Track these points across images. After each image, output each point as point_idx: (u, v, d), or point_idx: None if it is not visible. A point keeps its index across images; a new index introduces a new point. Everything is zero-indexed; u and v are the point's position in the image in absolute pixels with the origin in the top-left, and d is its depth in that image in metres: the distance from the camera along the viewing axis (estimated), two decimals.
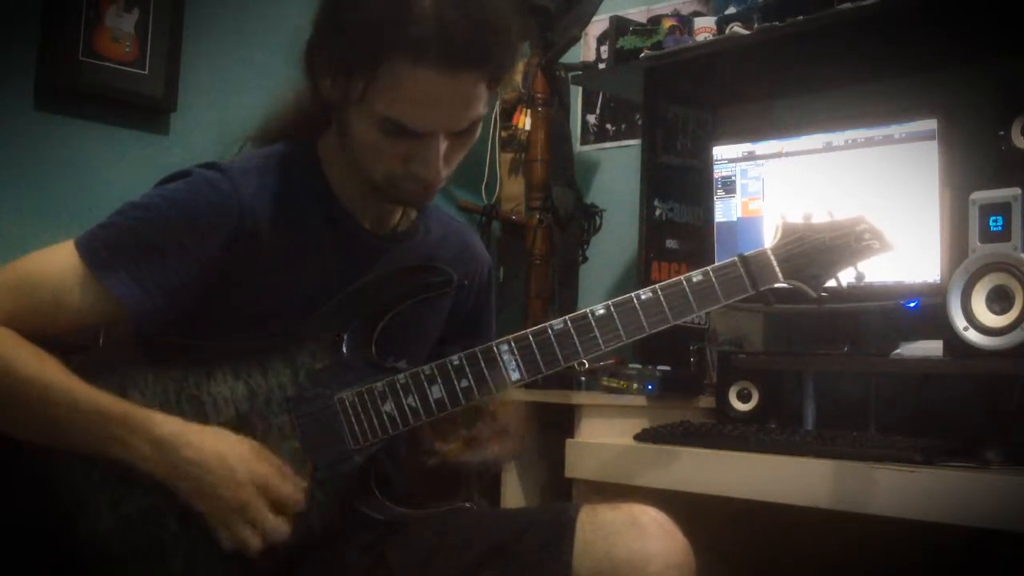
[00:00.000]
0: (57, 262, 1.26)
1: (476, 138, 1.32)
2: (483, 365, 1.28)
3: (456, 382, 1.28)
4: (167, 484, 1.23)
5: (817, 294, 1.34)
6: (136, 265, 1.25)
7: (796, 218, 1.36)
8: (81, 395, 1.23)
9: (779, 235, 1.36)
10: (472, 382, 1.28)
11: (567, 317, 1.29)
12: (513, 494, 2.27)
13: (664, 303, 1.29)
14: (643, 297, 1.29)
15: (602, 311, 1.29)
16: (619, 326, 1.29)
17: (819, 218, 1.36)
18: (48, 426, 1.23)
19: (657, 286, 1.30)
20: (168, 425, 1.23)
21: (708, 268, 1.32)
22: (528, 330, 1.29)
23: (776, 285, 1.34)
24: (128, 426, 1.22)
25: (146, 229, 1.28)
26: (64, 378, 1.24)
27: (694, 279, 1.31)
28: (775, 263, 1.33)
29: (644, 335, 1.30)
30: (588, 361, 1.30)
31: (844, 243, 1.35)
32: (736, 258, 1.33)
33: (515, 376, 1.29)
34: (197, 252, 1.28)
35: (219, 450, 1.23)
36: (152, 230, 1.27)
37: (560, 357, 1.28)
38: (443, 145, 1.27)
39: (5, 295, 1.26)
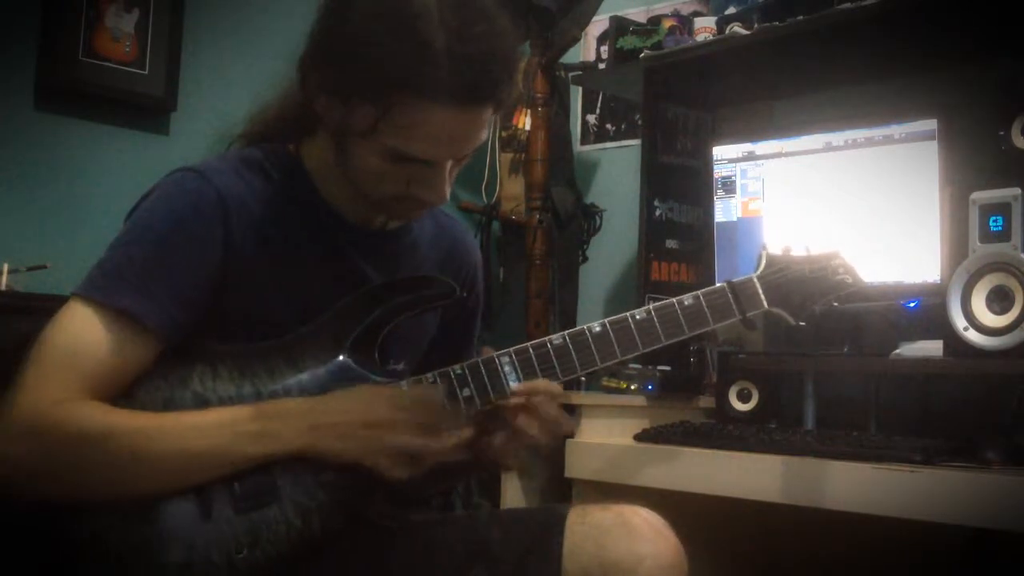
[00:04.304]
0: (73, 322, 1.23)
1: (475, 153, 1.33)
2: (484, 375, 1.31)
3: (458, 390, 1.31)
4: (317, 451, 1.22)
5: (796, 322, 1.45)
6: (142, 284, 1.23)
7: (776, 249, 1.47)
8: (208, 416, 1.22)
9: (763, 264, 1.45)
10: (474, 391, 1.31)
11: (565, 333, 1.34)
12: (513, 494, 2.27)
13: (657, 324, 1.37)
14: (638, 317, 1.36)
15: (599, 329, 1.35)
16: (615, 344, 1.35)
17: (797, 251, 1.47)
18: (183, 465, 1.20)
19: (651, 307, 1.38)
20: (290, 400, 1.25)
21: (699, 292, 1.40)
22: (528, 343, 1.33)
23: (760, 311, 1.43)
24: (265, 417, 1.22)
25: (139, 251, 1.26)
26: (175, 414, 1.22)
27: (685, 303, 1.39)
28: (761, 291, 1.43)
29: (638, 353, 1.37)
30: None
31: (821, 276, 1.46)
32: (724, 284, 1.42)
33: (514, 387, 1.31)
34: (196, 253, 1.27)
35: (345, 395, 1.25)
36: (145, 249, 1.26)
37: (559, 371, 1.33)
38: (448, 169, 1.28)
39: (60, 375, 1.20)
